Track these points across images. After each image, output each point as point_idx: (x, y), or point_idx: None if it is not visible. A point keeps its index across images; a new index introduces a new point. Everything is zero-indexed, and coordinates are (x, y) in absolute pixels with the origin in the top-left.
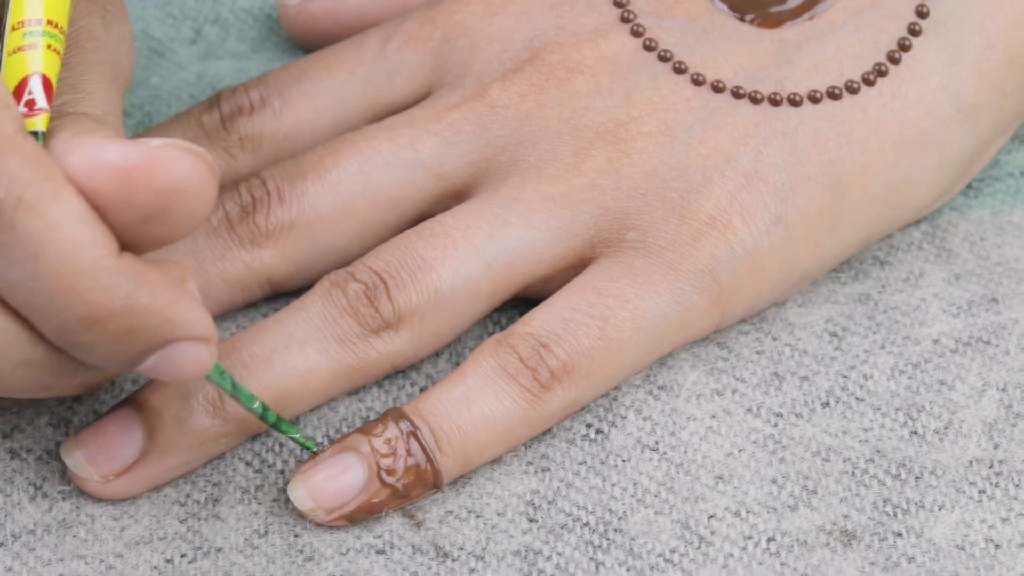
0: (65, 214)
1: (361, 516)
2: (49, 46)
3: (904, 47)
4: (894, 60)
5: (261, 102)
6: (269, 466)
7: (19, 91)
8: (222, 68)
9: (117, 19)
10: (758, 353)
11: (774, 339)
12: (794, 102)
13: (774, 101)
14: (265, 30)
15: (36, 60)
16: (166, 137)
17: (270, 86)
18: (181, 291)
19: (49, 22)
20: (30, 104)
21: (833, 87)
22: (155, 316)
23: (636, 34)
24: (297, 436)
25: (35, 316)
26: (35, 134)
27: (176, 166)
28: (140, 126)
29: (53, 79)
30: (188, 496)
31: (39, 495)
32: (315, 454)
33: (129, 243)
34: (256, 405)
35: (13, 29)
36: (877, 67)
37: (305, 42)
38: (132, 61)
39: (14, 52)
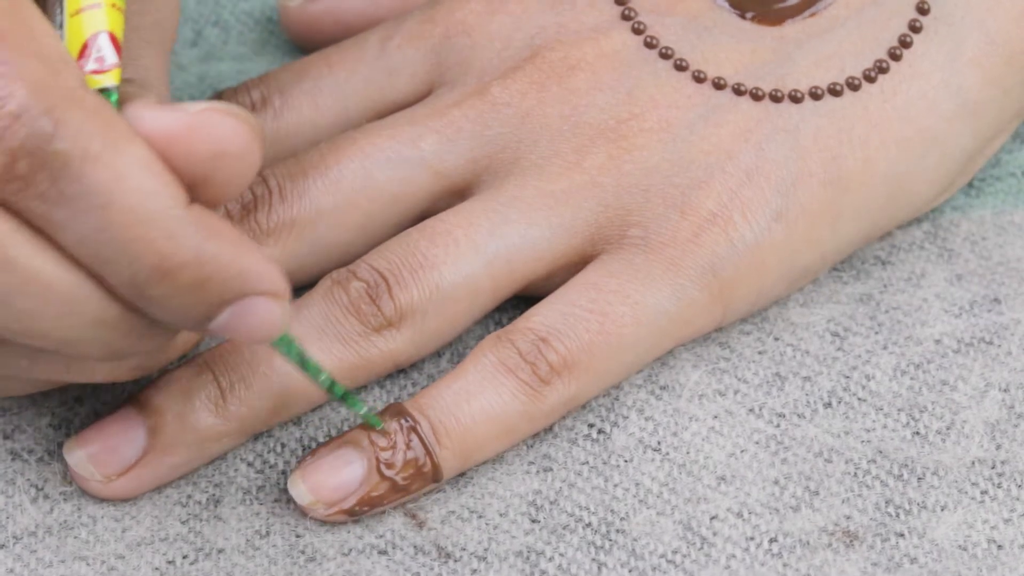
0: (132, 164)
1: (361, 511)
2: (113, 4)
3: (905, 44)
4: (895, 57)
5: (262, 101)
6: (271, 467)
7: (85, 50)
8: (223, 70)
9: None
10: (760, 353)
11: (776, 339)
12: (795, 99)
13: (775, 98)
14: (266, 32)
15: (101, 19)
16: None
17: (271, 85)
18: (252, 245)
19: None
20: (100, 60)
21: (834, 84)
22: (227, 267)
23: (637, 31)
24: (364, 412)
25: (106, 270)
26: (106, 90)
27: (218, 130)
28: None
29: (119, 36)
30: (190, 497)
31: (40, 496)
32: (382, 432)
33: None
34: (323, 378)
35: None
36: (878, 64)
37: (306, 43)
38: (177, 17)
39: (76, 13)
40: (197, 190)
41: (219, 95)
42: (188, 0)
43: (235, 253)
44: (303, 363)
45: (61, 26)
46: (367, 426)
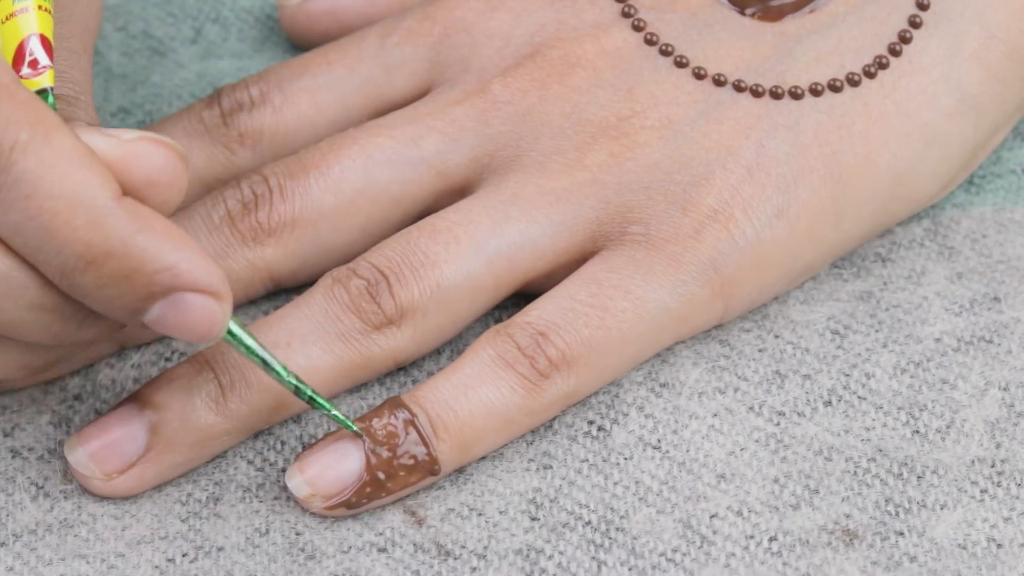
0: (60, 154)
1: (359, 503)
2: (40, 7)
3: (905, 39)
4: (895, 52)
5: (261, 98)
6: (271, 464)
7: (20, 54)
8: (223, 67)
9: None
10: (760, 351)
11: (776, 337)
12: (795, 95)
13: (775, 94)
14: (266, 29)
15: (31, 22)
16: (165, 133)
17: (271, 82)
18: (188, 241)
19: None
20: (34, 64)
21: (834, 80)
22: (154, 260)
23: (637, 28)
24: (333, 412)
25: (37, 258)
26: (43, 92)
27: (149, 160)
28: (141, 125)
29: (50, 36)
30: (189, 495)
31: (41, 494)
32: (357, 434)
33: None
34: (288, 377)
35: None
36: (878, 59)
37: (305, 42)
38: (100, 16)
39: (7, 19)
40: None
41: (218, 91)
42: None
43: (165, 247)
44: (264, 364)
45: None
46: (364, 418)
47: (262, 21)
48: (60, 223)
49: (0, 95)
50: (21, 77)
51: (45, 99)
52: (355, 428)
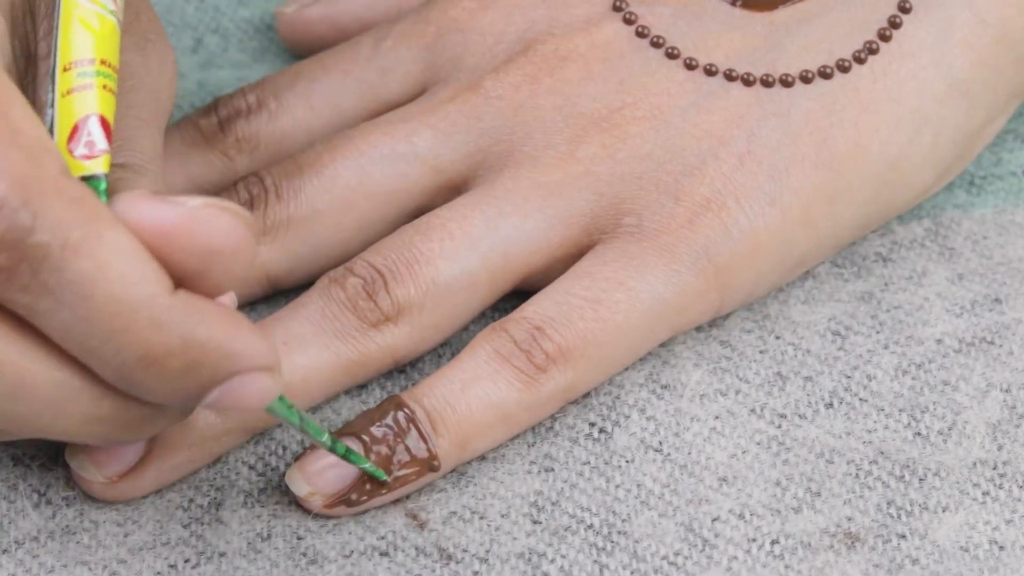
0: (114, 252)
1: (360, 501)
2: (104, 86)
3: (895, 24)
4: (884, 38)
5: (258, 104)
6: (272, 469)
7: (76, 133)
8: (223, 77)
9: (157, 47)
10: (761, 352)
11: (777, 338)
12: (786, 83)
13: (766, 83)
14: (266, 40)
15: (92, 101)
16: (165, 144)
17: (267, 88)
18: (240, 321)
19: (102, 62)
20: (90, 145)
21: (824, 67)
22: (215, 351)
23: (628, 21)
24: (367, 466)
25: (93, 360)
26: (95, 177)
27: (214, 227)
28: None
29: (110, 119)
30: (191, 501)
31: (43, 501)
32: (384, 483)
33: None
34: (325, 438)
35: (65, 70)
36: (868, 45)
37: (303, 48)
38: (174, 87)
39: (67, 94)
40: (190, 284)
41: (215, 100)
42: (188, 7)
43: (224, 335)
44: (303, 423)
45: (52, 104)
46: (363, 416)
47: (262, 32)
48: (119, 325)
49: (49, 192)
50: (73, 158)
51: (97, 187)
52: (385, 477)
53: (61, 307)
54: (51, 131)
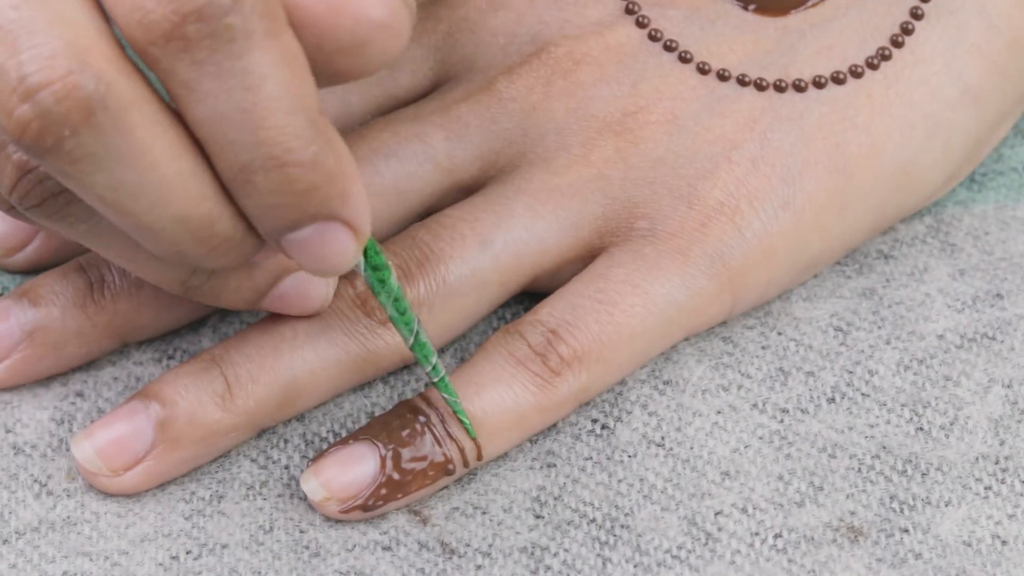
0: (289, 56)
1: (375, 507)
2: None
3: (907, 31)
4: (897, 44)
5: None
6: (274, 462)
7: None
8: None
9: None
10: (763, 348)
11: (779, 334)
12: (799, 88)
13: (779, 87)
14: None
15: None
16: None
17: None
18: (360, 177)
19: None
20: None
21: (837, 72)
22: (334, 183)
23: (641, 25)
24: (444, 385)
25: (223, 150)
26: None
27: (385, 1)
28: None
29: None
30: (193, 493)
31: (44, 492)
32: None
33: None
34: (415, 327)
35: None
36: (880, 51)
37: None
38: None
39: None
40: (342, 57)
41: None
42: None
43: (346, 176)
44: (397, 308)
45: None
46: (380, 421)
47: None
48: (271, 123)
49: None
50: None
51: None
52: (457, 401)
53: (221, 92)
54: None
